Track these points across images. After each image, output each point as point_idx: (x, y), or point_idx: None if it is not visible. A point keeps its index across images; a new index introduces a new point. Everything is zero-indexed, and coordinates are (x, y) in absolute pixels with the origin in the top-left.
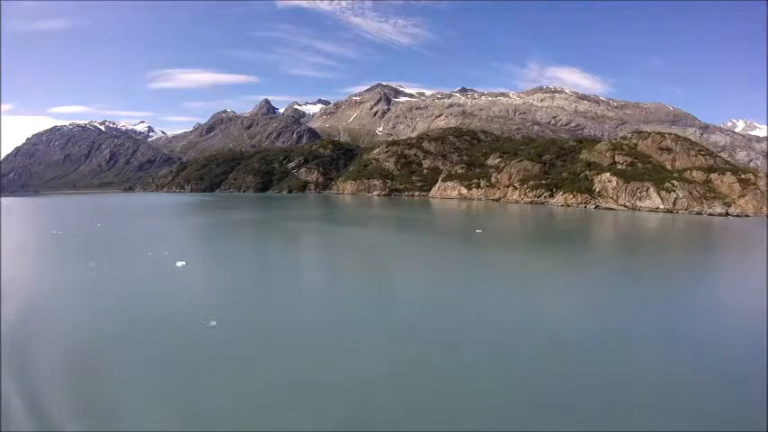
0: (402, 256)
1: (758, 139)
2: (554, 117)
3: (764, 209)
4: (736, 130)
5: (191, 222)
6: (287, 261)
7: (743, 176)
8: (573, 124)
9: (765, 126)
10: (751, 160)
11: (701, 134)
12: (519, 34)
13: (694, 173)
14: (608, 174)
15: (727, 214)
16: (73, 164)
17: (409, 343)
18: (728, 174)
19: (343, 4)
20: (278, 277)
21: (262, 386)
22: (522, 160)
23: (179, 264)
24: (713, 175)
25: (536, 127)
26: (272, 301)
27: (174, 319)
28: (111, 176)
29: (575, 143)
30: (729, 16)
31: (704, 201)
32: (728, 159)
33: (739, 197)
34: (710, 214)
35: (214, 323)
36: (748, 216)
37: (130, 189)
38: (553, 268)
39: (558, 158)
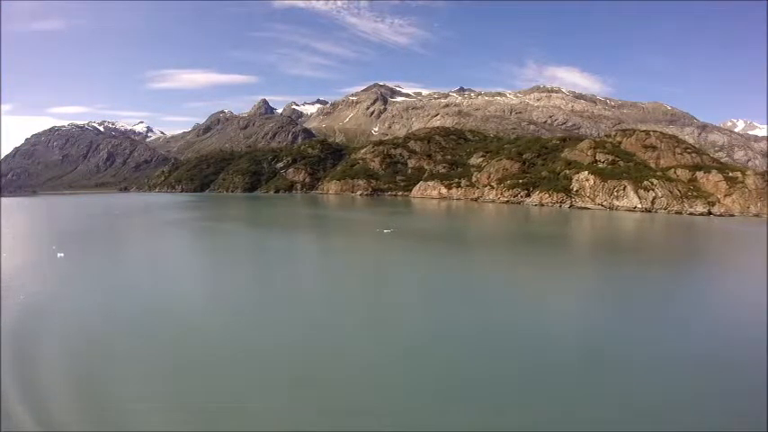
0: (270, 258)
1: (757, 139)
2: (550, 116)
3: (752, 208)
4: (736, 130)
5: (125, 221)
6: (157, 257)
7: (730, 175)
8: (569, 124)
9: (765, 126)
10: (749, 159)
11: (699, 133)
12: (517, 34)
13: (679, 171)
14: (585, 172)
15: (710, 213)
16: (71, 164)
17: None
18: (714, 172)
19: (339, 3)
20: (133, 270)
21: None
22: (501, 159)
23: (59, 255)
24: (699, 174)
25: (532, 126)
26: (98, 287)
27: None
28: (109, 177)
29: (558, 142)
30: (729, 16)
31: (685, 200)
32: (726, 159)
33: (725, 196)
34: (691, 214)
35: (22, 297)
36: (733, 216)
37: (126, 189)
38: (440, 270)
39: (538, 157)
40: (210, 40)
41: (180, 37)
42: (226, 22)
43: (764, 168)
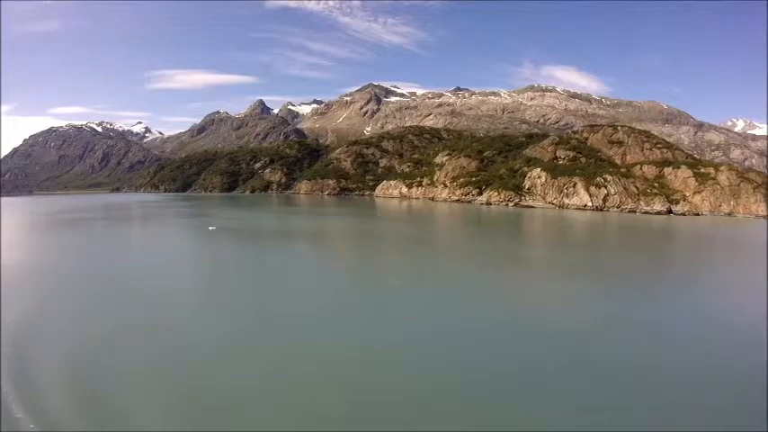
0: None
1: (754, 138)
2: (543, 116)
3: (724, 206)
4: (736, 130)
5: (46, 219)
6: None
7: (701, 171)
8: (562, 123)
9: (765, 125)
10: (746, 158)
11: (695, 132)
12: (513, 33)
13: (645, 167)
14: (538, 169)
15: (670, 212)
16: (67, 165)
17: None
18: (684, 168)
19: (331, 3)
20: None
21: None
22: (459, 157)
23: None
24: (666, 170)
25: (524, 126)
26: None
27: None
28: (103, 177)
29: (523, 139)
30: (729, 16)
31: (642, 197)
32: (722, 158)
33: (694, 193)
34: (647, 212)
35: None
36: (699, 215)
37: (118, 190)
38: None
39: (500, 155)
40: (209, 42)
41: (178, 38)
42: (223, 23)
43: (763, 168)
